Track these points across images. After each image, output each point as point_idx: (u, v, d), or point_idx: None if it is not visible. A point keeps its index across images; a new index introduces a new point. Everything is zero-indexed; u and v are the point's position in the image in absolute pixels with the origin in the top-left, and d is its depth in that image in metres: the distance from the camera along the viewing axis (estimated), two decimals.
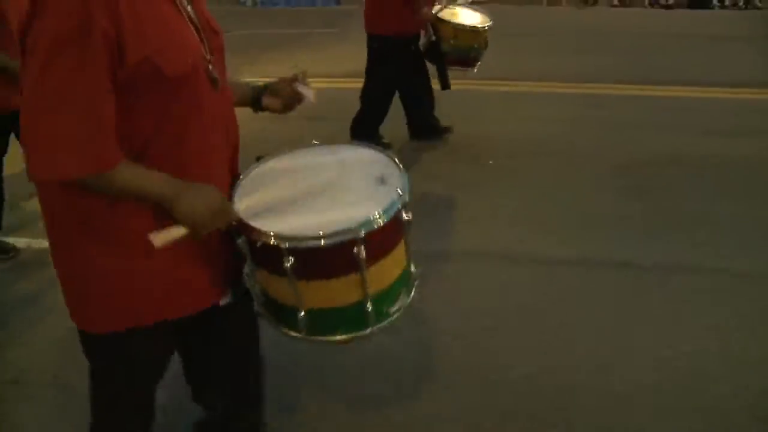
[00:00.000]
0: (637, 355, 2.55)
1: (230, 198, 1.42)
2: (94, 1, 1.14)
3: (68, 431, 2.17)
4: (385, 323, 1.46)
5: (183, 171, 1.34)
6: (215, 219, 1.33)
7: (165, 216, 1.31)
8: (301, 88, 1.61)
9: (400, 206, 1.39)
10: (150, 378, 1.58)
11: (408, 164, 4.61)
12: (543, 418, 2.23)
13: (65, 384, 2.38)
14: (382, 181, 1.46)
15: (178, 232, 1.30)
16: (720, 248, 3.33)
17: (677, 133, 5.08)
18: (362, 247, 1.32)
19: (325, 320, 1.43)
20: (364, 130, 4.60)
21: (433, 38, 4.38)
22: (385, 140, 4.68)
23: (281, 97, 1.62)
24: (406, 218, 1.41)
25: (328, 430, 2.21)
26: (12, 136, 3.09)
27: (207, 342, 1.60)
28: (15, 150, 3.04)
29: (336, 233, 1.31)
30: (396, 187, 1.42)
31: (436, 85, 4.74)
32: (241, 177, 1.50)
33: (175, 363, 1.64)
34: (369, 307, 1.41)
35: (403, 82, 4.57)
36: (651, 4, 13.28)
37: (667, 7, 12.99)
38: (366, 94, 4.65)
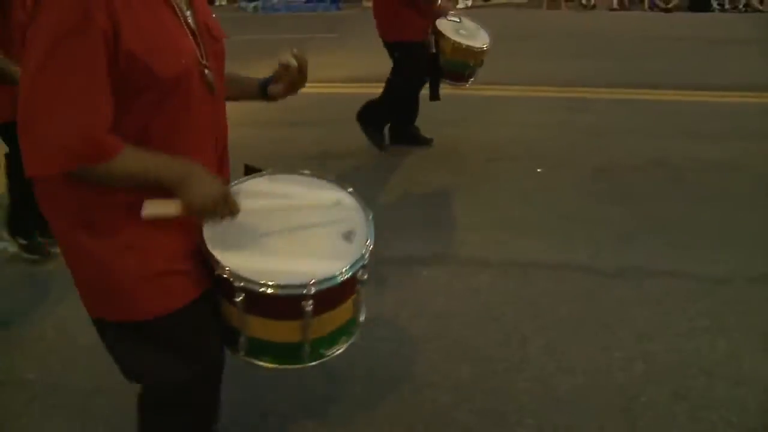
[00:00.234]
0: (610, 356, 2.57)
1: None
2: None
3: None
4: (317, 362, 1.54)
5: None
6: (217, 207, 1.36)
7: (135, 199, 1.32)
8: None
9: (358, 269, 1.45)
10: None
11: (391, 167, 4.68)
12: (517, 420, 2.27)
13: (76, 387, 2.45)
14: (348, 237, 1.52)
15: (171, 209, 1.33)
16: (696, 252, 3.35)
17: (663, 137, 5.09)
18: (310, 302, 1.39)
19: (263, 348, 1.51)
20: (375, 127, 4.70)
21: (433, 50, 4.41)
22: (386, 141, 4.78)
23: (285, 82, 1.63)
24: (362, 278, 1.48)
25: None
26: None
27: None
28: None
29: (287, 286, 1.38)
30: (360, 248, 1.48)
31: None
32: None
33: None
34: (306, 348, 1.49)
35: (418, 83, 4.59)
36: (650, 8, 13.29)
37: (667, 10, 12.99)
38: (389, 89, 4.66)
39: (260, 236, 1.49)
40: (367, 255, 1.48)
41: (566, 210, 3.90)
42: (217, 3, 15.03)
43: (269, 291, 1.38)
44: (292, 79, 1.60)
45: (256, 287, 1.37)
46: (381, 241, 1.61)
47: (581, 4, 13.56)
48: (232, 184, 1.57)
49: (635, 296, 2.99)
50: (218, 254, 1.40)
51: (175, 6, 1.35)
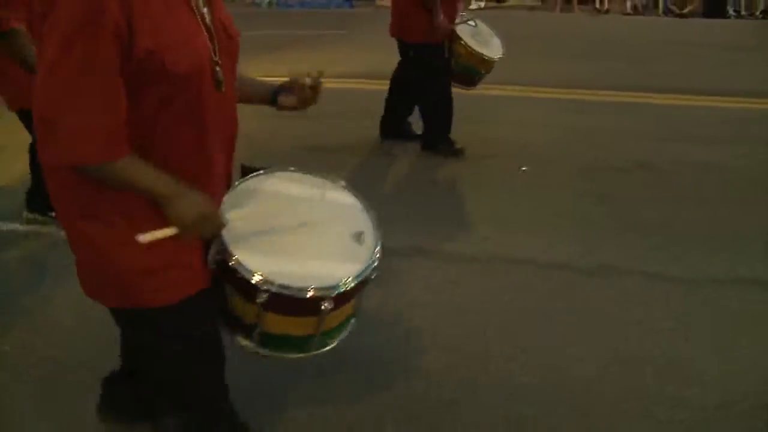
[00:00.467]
0: (573, 353, 2.58)
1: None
2: None
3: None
4: (323, 350, 1.65)
5: (180, 168, 1.39)
6: (204, 227, 1.40)
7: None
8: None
9: (371, 271, 1.54)
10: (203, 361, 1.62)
11: (385, 162, 4.70)
12: (482, 411, 2.29)
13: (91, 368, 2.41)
14: (359, 238, 1.60)
15: (165, 232, 1.37)
16: (672, 253, 3.33)
17: (656, 140, 5.07)
18: (330, 302, 1.48)
19: (275, 341, 1.58)
20: (436, 139, 4.66)
21: (446, 54, 4.41)
22: (458, 145, 4.71)
23: (296, 96, 1.67)
24: (368, 277, 1.55)
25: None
26: None
27: None
28: None
29: (311, 288, 1.46)
30: (372, 251, 1.57)
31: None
32: (228, 192, 1.57)
33: None
34: (315, 339, 1.59)
35: (442, 79, 4.55)
36: (665, 13, 13.21)
37: (682, 16, 12.91)
38: (423, 106, 4.67)
39: (277, 238, 1.55)
40: (377, 257, 1.56)
41: (550, 208, 3.90)
42: None
43: (296, 293, 1.45)
44: (304, 95, 1.66)
45: (282, 290, 1.44)
46: None
47: (595, 8, 13.53)
48: (235, 184, 1.61)
49: (607, 295, 2.98)
50: (243, 256, 1.45)
51: (192, 3, 1.37)
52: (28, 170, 3.46)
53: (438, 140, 4.69)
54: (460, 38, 4.32)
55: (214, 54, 1.41)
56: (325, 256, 1.55)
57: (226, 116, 1.49)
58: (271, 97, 1.71)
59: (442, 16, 4.23)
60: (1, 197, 3.99)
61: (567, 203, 3.99)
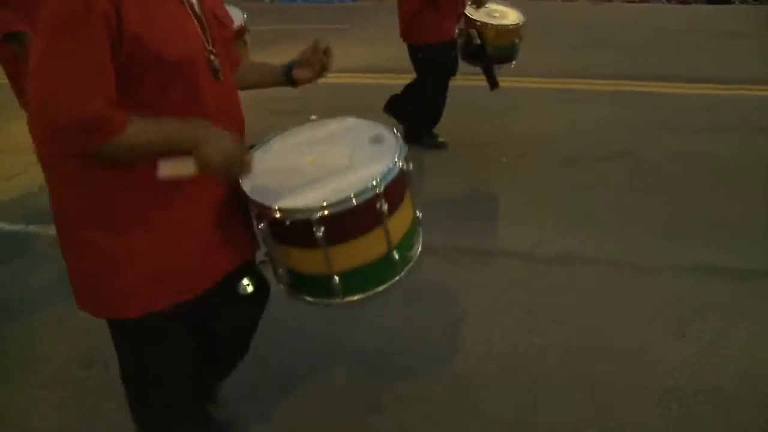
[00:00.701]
0: (528, 340, 2.62)
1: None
2: None
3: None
4: (410, 265, 1.58)
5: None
6: (232, 166, 1.36)
7: (164, 200, 1.37)
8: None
9: (403, 158, 1.50)
10: (178, 360, 1.62)
11: None
12: (432, 399, 2.35)
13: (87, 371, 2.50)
14: (378, 140, 1.58)
15: (188, 168, 1.33)
16: (639, 241, 3.36)
17: (642, 128, 5.05)
18: (383, 201, 1.43)
19: (358, 279, 1.51)
20: (421, 131, 4.69)
21: (478, 41, 4.37)
22: (441, 139, 4.74)
23: (311, 65, 1.67)
24: (408, 169, 1.53)
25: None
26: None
27: (211, 320, 1.69)
28: None
29: (361, 192, 1.41)
30: (392, 142, 1.55)
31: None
32: None
33: None
34: (395, 255, 1.52)
35: (445, 84, 4.57)
36: (668, 0, 13.08)
37: (685, 2, 12.77)
38: (415, 96, 4.67)
39: (303, 176, 1.50)
40: (404, 146, 1.53)
41: (523, 198, 3.94)
42: None
43: (354, 203, 1.39)
44: (318, 63, 1.65)
45: (332, 209, 1.39)
46: None
47: None
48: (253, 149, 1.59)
49: (566, 283, 3.03)
50: (281, 203, 1.41)
51: None
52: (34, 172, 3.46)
53: (422, 133, 4.72)
54: (484, 23, 4.30)
55: (208, 43, 1.41)
56: (355, 166, 1.50)
57: (227, 105, 1.49)
58: (285, 75, 1.70)
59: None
60: (7, 198, 4.05)
61: (542, 193, 4.02)
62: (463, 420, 2.25)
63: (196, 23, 1.40)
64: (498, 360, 2.54)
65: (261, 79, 1.72)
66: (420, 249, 1.64)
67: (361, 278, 1.51)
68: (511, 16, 4.45)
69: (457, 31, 4.37)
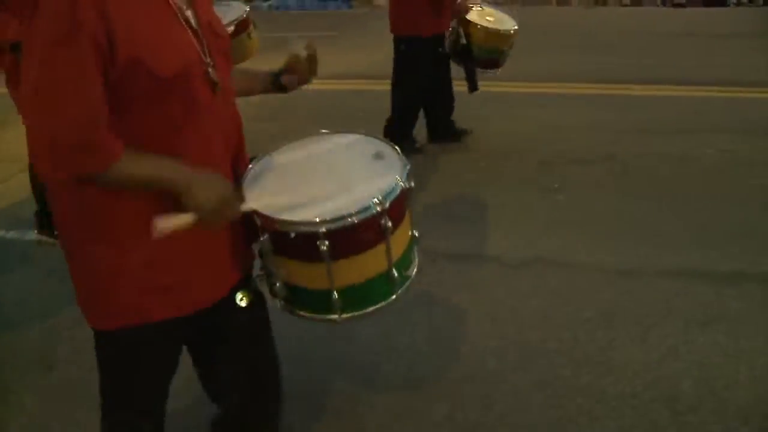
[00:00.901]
0: (486, 344, 2.60)
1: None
2: (82, 2, 1.17)
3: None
4: (406, 285, 1.57)
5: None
6: (224, 211, 1.34)
7: (163, 209, 1.32)
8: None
9: (406, 175, 1.51)
10: (159, 374, 1.58)
11: None
12: (380, 401, 2.33)
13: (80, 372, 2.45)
14: (379, 156, 1.58)
15: (184, 220, 1.30)
16: (611, 244, 3.34)
17: (626, 132, 5.03)
18: (387, 217, 1.43)
19: (357, 295, 1.51)
20: (397, 133, 4.56)
21: (464, 41, 4.31)
22: (417, 144, 4.71)
23: (298, 72, 1.68)
24: (411, 185, 1.53)
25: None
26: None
27: (213, 339, 1.62)
28: None
29: (366, 208, 1.41)
30: (395, 159, 1.56)
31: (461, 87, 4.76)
32: (242, 177, 1.54)
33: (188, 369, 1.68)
34: (394, 273, 1.52)
35: (431, 84, 4.55)
36: (663, 3, 13.06)
37: (680, 5, 12.75)
38: (395, 100, 4.63)
39: (308, 191, 1.50)
40: (407, 163, 1.54)
41: (497, 202, 3.92)
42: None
43: (353, 221, 1.40)
44: (304, 68, 1.66)
45: (340, 223, 1.39)
46: None
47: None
48: (245, 174, 1.57)
49: (532, 287, 3.00)
50: (288, 216, 1.41)
51: (174, 5, 1.34)
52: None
53: (402, 132, 4.65)
54: (474, 23, 4.24)
55: (205, 55, 1.38)
56: (361, 183, 1.51)
57: (227, 118, 1.46)
58: (273, 82, 1.70)
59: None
60: (12, 206, 4.02)
61: (517, 196, 4.00)
62: (417, 423, 2.23)
63: (192, 36, 1.37)
64: (455, 362, 2.51)
65: (250, 86, 1.71)
66: (416, 268, 1.63)
67: (360, 295, 1.52)
68: (505, 24, 4.40)
69: (449, 29, 4.33)
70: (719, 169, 4.31)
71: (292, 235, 1.41)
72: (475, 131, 5.07)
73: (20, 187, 3.98)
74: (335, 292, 1.47)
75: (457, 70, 4.61)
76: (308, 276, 1.48)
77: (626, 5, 13.00)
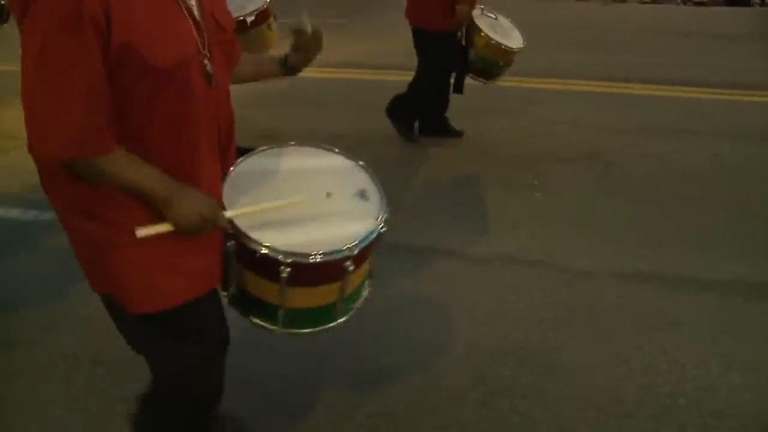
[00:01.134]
0: (433, 340, 2.58)
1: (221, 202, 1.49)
2: None
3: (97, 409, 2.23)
4: (349, 315, 1.65)
5: (174, 164, 1.35)
6: (204, 225, 1.36)
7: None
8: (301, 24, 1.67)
9: (384, 223, 1.55)
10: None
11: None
12: (333, 393, 2.31)
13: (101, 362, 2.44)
14: (363, 195, 1.62)
15: (163, 228, 1.34)
16: (578, 243, 3.28)
17: (615, 131, 4.95)
18: (351, 262, 1.48)
19: (301, 317, 1.58)
20: (404, 118, 4.61)
21: (463, 43, 4.31)
22: (417, 135, 4.69)
23: (304, 51, 1.67)
24: (383, 231, 1.56)
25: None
26: None
27: None
28: None
29: (335, 251, 1.45)
30: (377, 203, 1.59)
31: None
32: (228, 174, 1.56)
33: None
34: (342, 305, 1.59)
35: (446, 75, 4.47)
36: (684, 2, 12.80)
37: (702, 4, 12.48)
38: (413, 84, 4.60)
39: (286, 212, 1.52)
40: (387, 208, 1.58)
41: (471, 196, 3.89)
42: None
43: (318, 260, 1.44)
44: (308, 45, 1.65)
45: (305, 259, 1.43)
46: None
47: None
48: (235, 164, 1.60)
49: (490, 284, 2.96)
50: (259, 235, 1.44)
51: None
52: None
53: (406, 120, 4.64)
54: (479, 29, 4.20)
55: (203, 47, 1.36)
56: (338, 219, 1.55)
57: (219, 112, 1.45)
58: (282, 65, 1.70)
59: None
60: (14, 186, 3.99)
61: (491, 193, 3.96)
62: (352, 414, 2.21)
63: (193, 26, 1.35)
64: (396, 355, 2.49)
65: (257, 71, 1.71)
66: (364, 300, 1.69)
67: (304, 317, 1.59)
68: (511, 40, 4.32)
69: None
70: (702, 173, 4.23)
71: (257, 255, 1.44)
72: (467, 126, 5.00)
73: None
74: (282, 310, 1.53)
75: None
76: (262, 289, 1.53)
77: (645, 2, 12.75)
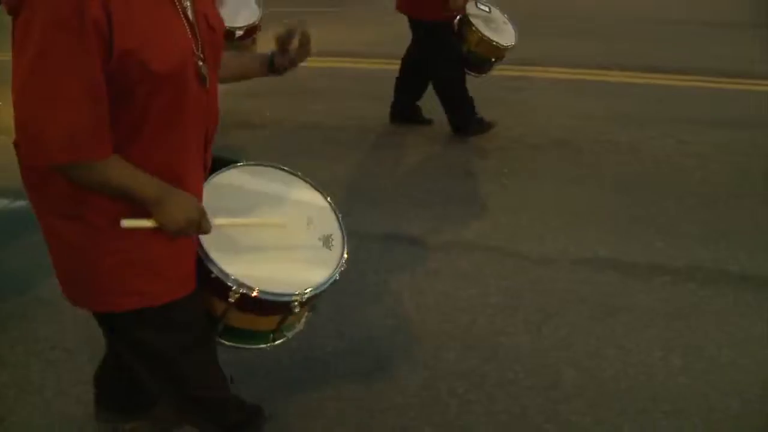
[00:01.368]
0: (380, 323, 2.59)
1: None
2: None
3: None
4: (280, 341, 1.72)
5: (163, 166, 1.36)
6: (189, 228, 1.39)
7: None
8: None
9: (338, 275, 1.62)
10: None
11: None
12: (271, 373, 2.29)
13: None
14: (328, 242, 1.68)
15: (148, 223, 1.36)
16: (539, 231, 3.29)
17: (588, 118, 4.92)
18: (298, 304, 1.55)
19: (238, 334, 1.64)
20: (463, 120, 4.50)
21: (455, 37, 4.27)
22: (488, 119, 4.55)
23: (291, 53, 1.65)
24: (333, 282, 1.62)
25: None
26: None
27: None
28: None
29: (285, 294, 1.53)
30: (337, 255, 1.65)
31: None
32: (207, 181, 1.58)
33: None
34: (277, 332, 1.68)
35: (456, 60, 4.34)
36: None
37: None
38: (437, 88, 4.50)
39: (248, 237, 1.59)
40: (345, 262, 1.64)
41: (439, 185, 3.88)
42: None
43: (270, 297, 1.51)
44: (295, 49, 1.64)
45: (255, 293, 1.49)
46: None
47: None
48: (216, 173, 1.64)
49: (444, 270, 2.97)
50: (218, 257, 1.50)
51: None
52: None
53: (468, 121, 4.52)
54: (471, 24, 4.17)
55: (197, 49, 1.36)
56: (298, 261, 1.63)
57: (208, 112, 1.45)
58: (267, 64, 1.68)
59: None
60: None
61: (457, 181, 3.95)
62: (303, 396, 2.23)
63: (188, 28, 1.35)
64: (343, 339, 2.51)
65: (243, 71, 1.70)
66: (298, 331, 1.76)
67: (239, 335, 1.65)
68: (503, 36, 4.30)
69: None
70: (671, 160, 4.20)
71: (212, 274, 1.48)
72: (442, 113, 4.98)
73: None
74: (222, 324, 1.60)
75: None
76: (208, 301, 1.58)
77: None
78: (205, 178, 1.57)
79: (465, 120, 4.52)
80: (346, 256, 1.65)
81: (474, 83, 4.53)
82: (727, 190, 3.76)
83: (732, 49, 7.03)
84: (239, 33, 3.98)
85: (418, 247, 3.18)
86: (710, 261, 3.04)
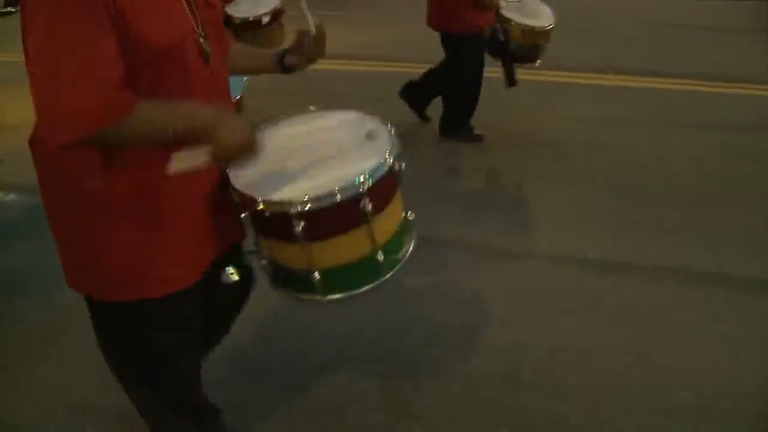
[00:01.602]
0: (342, 314, 2.65)
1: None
2: None
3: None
4: (396, 268, 1.54)
5: (172, 147, 1.33)
6: (243, 154, 1.34)
7: (150, 183, 1.34)
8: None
9: (394, 157, 1.47)
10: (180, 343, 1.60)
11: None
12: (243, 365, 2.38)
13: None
14: (370, 136, 1.54)
15: (200, 158, 1.28)
16: (515, 227, 3.38)
17: (580, 120, 4.95)
18: (367, 200, 1.38)
19: (339, 277, 1.48)
20: (458, 125, 4.58)
21: (502, 38, 4.27)
22: (477, 131, 4.64)
23: (305, 52, 1.63)
24: (399, 168, 1.50)
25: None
26: None
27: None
28: None
29: (343, 189, 1.37)
30: (385, 140, 1.51)
31: None
32: None
33: None
34: (379, 257, 1.48)
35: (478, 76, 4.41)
36: None
37: None
38: (449, 91, 4.57)
39: (291, 168, 1.47)
40: (397, 144, 1.50)
41: (431, 185, 3.91)
42: None
43: (330, 201, 1.36)
44: (311, 49, 1.61)
45: (318, 203, 1.35)
46: None
47: None
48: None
49: (415, 266, 3.00)
50: (260, 194, 1.39)
51: None
52: None
53: (459, 127, 4.60)
54: (509, 20, 4.19)
55: (197, 25, 1.37)
56: (345, 161, 1.47)
57: (216, 89, 1.45)
58: (277, 61, 1.66)
59: None
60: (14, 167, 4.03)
61: (436, 180, 4.00)
62: (274, 384, 2.31)
63: (185, 5, 1.36)
64: (337, 339, 2.56)
65: (251, 65, 1.70)
66: (410, 250, 1.60)
67: (343, 277, 1.48)
68: (542, 17, 4.33)
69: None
70: (662, 163, 4.22)
71: (267, 214, 1.39)
72: (432, 112, 4.99)
73: None
74: (316, 273, 1.45)
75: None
76: (287, 255, 1.47)
77: None
78: None
79: (459, 126, 4.58)
80: (393, 139, 1.50)
81: None
82: (721, 192, 3.76)
83: (731, 53, 7.03)
84: (266, 19, 4.03)
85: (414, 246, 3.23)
86: (704, 262, 3.05)
